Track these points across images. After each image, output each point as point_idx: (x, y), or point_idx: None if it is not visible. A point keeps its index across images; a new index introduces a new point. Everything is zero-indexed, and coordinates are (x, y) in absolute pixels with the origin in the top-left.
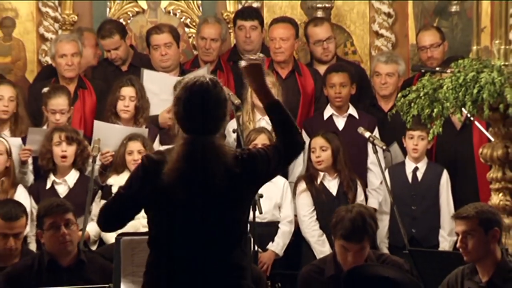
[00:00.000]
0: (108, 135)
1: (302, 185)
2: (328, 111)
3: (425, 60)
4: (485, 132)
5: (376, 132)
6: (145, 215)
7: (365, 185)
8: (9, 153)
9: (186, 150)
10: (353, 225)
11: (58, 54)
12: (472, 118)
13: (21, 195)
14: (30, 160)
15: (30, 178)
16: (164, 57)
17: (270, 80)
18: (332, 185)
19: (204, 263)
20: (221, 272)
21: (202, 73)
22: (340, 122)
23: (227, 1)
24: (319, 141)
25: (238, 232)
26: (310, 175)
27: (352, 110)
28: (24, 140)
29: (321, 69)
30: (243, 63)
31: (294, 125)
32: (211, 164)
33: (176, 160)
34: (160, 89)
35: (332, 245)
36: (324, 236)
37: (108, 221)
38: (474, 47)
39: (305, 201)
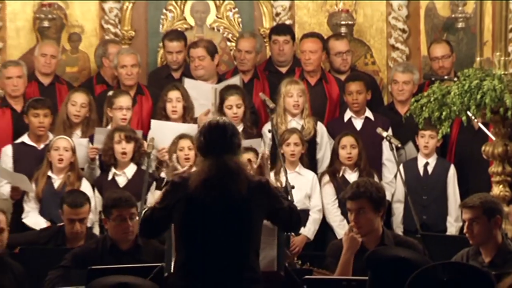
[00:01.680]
0: (163, 133)
1: (326, 178)
2: (348, 114)
3: (437, 69)
4: (487, 132)
5: (390, 132)
6: None
7: (380, 179)
8: (73, 150)
9: (210, 163)
10: (352, 186)
11: (119, 65)
12: (475, 120)
13: (86, 188)
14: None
15: (97, 172)
16: (198, 67)
17: (300, 88)
18: (352, 177)
19: (221, 262)
20: (236, 273)
21: (234, 81)
22: (358, 124)
23: (263, 19)
24: (350, 140)
25: (254, 236)
26: (333, 169)
27: (368, 113)
28: (91, 140)
29: (340, 78)
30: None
31: (297, 211)
32: (232, 173)
33: (201, 170)
34: (198, 95)
35: None
36: (345, 221)
37: (147, 231)
38: (478, 59)
39: (329, 191)
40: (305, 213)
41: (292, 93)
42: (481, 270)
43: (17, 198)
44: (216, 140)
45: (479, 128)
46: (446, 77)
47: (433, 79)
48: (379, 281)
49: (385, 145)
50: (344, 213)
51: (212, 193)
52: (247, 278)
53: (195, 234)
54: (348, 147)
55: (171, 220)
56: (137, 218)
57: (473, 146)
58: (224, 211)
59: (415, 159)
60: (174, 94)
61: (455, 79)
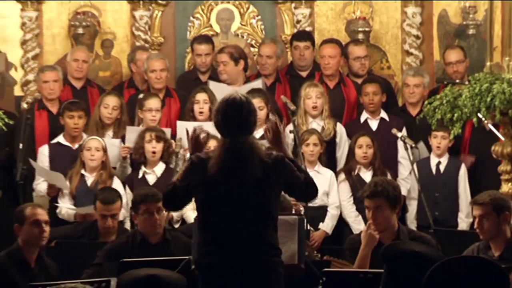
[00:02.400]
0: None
1: (342, 176)
2: (364, 116)
3: (451, 74)
4: (496, 133)
5: (404, 132)
6: None
7: (394, 176)
8: (105, 150)
9: (226, 146)
10: (370, 185)
11: (149, 69)
12: (486, 121)
13: (117, 185)
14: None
15: (129, 171)
16: (221, 72)
17: (319, 90)
18: (366, 176)
19: (242, 241)
20: (256, 248)
21: (257, 84)
22: (373, 124)
23: (285, 26)
24: (366, 140)
25: (271, 214)
26: (348, 168)
27: (383, 114)
28: (123, 140)
29: (358, 81)
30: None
31: (312, 182)
32: (247, 156)
33: (218, 155)
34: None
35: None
36: (360, 216)
37: (169, 205)
38: (488, 63)
39: (344, 188)
40: (323, 210)
41: (311, 95)
42: (497, 264)
43: (54, 195)
44: (231, 119)
45: (491, 129)
46: (457, 80)
47: (445, 82)
48: (394, 274)
49: (400, 144)
50: (359, 209)
51: (229, 177)
52: (267, 252)
53: (216, 215)
54: (364, 147)
55: (191, 197)
56: (163, 212)
57: (485, 146)
58: (241, 193)
59: (428, 158)
60: (201, 96)
61: (466, 82)
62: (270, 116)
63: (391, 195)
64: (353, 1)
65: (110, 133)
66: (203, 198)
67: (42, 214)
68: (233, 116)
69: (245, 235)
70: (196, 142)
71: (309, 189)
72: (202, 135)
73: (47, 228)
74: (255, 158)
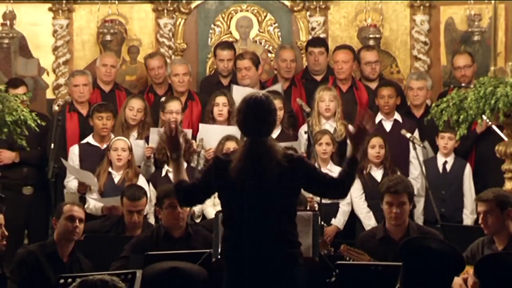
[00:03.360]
0: (209, 135)
1: None
2: (378, 117)
3: (459, 78)
4: (500, 133)
5: (416, 133)
6: None
7: (404, 175)
8: (130, 150)
9: (246, 150)
10: (394, 181)
11: (172, 74)
12: (490, 122)
13: (142, 183)
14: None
15: (152, 169)
16: (244, 77)
17: (332, 93)
18: (377, 174)
19: (263, 236)
20: (277, 242)
21: (277, 88)
22: (387, 125)
23: (300, 33)
24: (379, 140)
25: (289, 211)
26: (360, 167)
27: (397, 116)
28: (147, 141)
29: (369, 85)
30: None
31: (352, 183)
32: (265, 160)
33: (239, 158)
34: None
35: (377, 220)
36: (371, 212)
37: (184, 200)
38: (492, 68)
39: (356, 186)
40: (335, 206)
41: (325, 98)
42: None
43: (83, 192)
44: (251, 118)
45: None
46: (463, 84)
47: (451, 86)
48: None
49: (411, 144)
50: (369, 206)
51: (249, 179)
52: (287, 245)
53: (239, 213)
54: (377, 147)
55: (209, 196)
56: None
57: (490, 146)
58: (260, 193)
59: (435, 158)
60: (221, 100)
61: (471, 86)
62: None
63: (411, 192)
64: (364, 9)
65: (134, 134)
66: (227, 197)
67: (78, 211)
68: (253, 115)
69: (266, 233)
70: (172, 140)
71: (338, 188)
72: (181, 134)
73: (80, 225)
74: (273, 161)
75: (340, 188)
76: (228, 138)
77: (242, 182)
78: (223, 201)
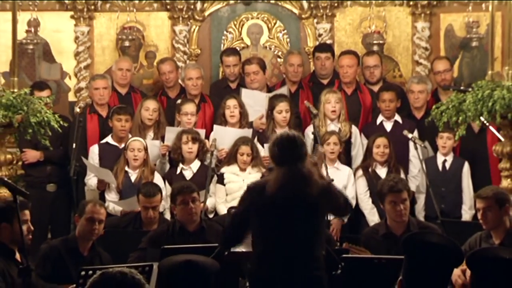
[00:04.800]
0: (222, 136)
1: (360, 172)
2: (380, 118)
3: (439, 81)
4: (497, 134)
5: (415, 133)
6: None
7: (406, 173)
8: (146, 149)
9: (284, 172)
10: (394, 180)
11: (186, 78)
12: (487, 124)
13: (158, 180)
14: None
15: (167, 167)
16: (253, 81)
17: (337, 96)
18: (381, 172)
19: (292, 256)
20: (304, 263)
21: (283, 91)
22: (388, 126)
23: (308, 39)
24: (384, 141)
25: (319, 233)
26: (366, 165)
27: (397, 117)
28: (162, 140)
29: (372, 88)
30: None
31: (350, 203)
32: (304, 181)
33: (276, 179)
34: (254, 102)
35: (381, 216)
36: (375, 209)
37: (228, 239)
38: (489, 72)
39: (362, 183)
40: None
41: (330, 101)
42: None
43: (103, 189)
44: (288, 151)
45: (479, 131)
46: (462, 88)
47: (451, 89)
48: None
49: (411, 144)
50: (374, 202)
51: (288, 196)
52: (313, 267)
53: (271, 231)
54: (382, 147)
55: (248, 225)
56: (199, 202)
57: (474, 146)
58: (297, 211)
59: (435, 157)
60: (232, 102)
61: (470, 89)
62: (305, 102)
63: (409, 189)
64: (369, 17)
65: (151, 134)
66: (260, 215)
67: (99, 213)
68: (289, 149)
69: (295, 251)
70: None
71: (347, 209)
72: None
73: (100, 226)
74: (312, 180)
75: (348, 210)
76: (244, 141)
77: (279, 200)
78: (256, 220)
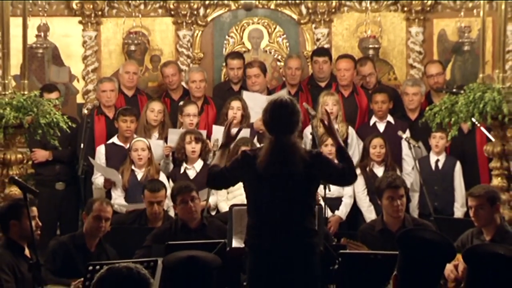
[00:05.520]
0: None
1: (357, 171)
2: (373, 119)
3: (432, 84)
4: (488, 135)
5: (408, 133)
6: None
7: (401, 171)
8: (149, 149)
9: (272, 145)
10: (392, 177)
11: (190, 80)
12: (478, 124)
13: (163, 179)
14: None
15: (171, 167)
16: (254, 83)
17: (335, 98)
18: (379, 171)
19: (285, 225)
20: (297, 232)
21: (283, 93)
22: (381, 127)
23: (306, 43)
24: (380, 141)
25: (309, 203)
26: (364, 164)
27: (389, 118)
28: (166, 140)
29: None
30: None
31: (352, 167)
32: (289, 155)
33: (265, 153)
34: (254, 104)
35: (377, 213)
36: (372, 206)
37: (211, 182)
38: (481, 75)
39: (360, 182)
40: (339, 200)
41: (328, 103)
42: None
43: (109, 187)
44: (278, 119)
45: (469, 132)
46: (454, 90)
47: (443, 92)
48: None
49: (404, 143)
50: (371, 200)
51: (275, 172)
52: (305, 235)
53: (263, 202)
54: (378, 147)
55: (232, 184)
56: (198, 200)
57: (464, 146)
58: (284, 186)
59: (428, 156)
60: (235, 104)
61: (462, 91)
62: (304, 104)
63: (406, 186)
64: (365, 22)
65: (156, 134)
66: (252, 188)
67: (106, 212)
68: (279, 115)
69: (287, 222)
70: (228, 135)
71: (346, 176)
72: (234, 129)
73: (106, 224)
74: (297, 155)
75: (347, 175)
76: (244, 142)
77: (268, 174)
78: (248, 192)
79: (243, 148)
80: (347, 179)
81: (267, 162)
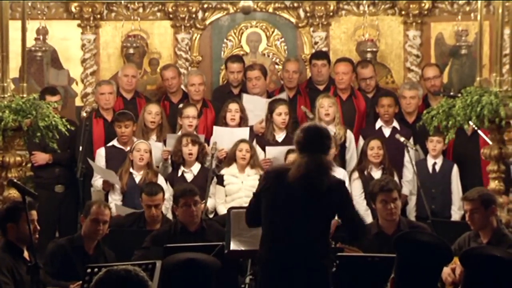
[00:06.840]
0: (222, 136)
1: (355, 174)
2: (379, 123)
3: (429, 87)
4: (485, 138)
5: (411, 140)
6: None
7: (399, 176)
8: (150, 152)
9: (306, 159)
10: (385, 180)
11: (189, 83)
12: (476, 128)
13: (161, 182)
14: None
15: (170, 170)
16: (254, 86)
17: (331, 100)
18: (376, 174)
19: (298, 244)
20: (309, 253)
21: (282, 96)
22: (386, 131)
23: (304, 46)
24: (377, 143)
25: (325, 225)
26: (361, 167)
27: (395, 124)
28: (164, 143)
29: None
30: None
31: (364, 231)
32: (322, 169)
33: (298, 165)
34: (254, 107)
35: (374, 217)
36: (369, 210)
37: (249, 219)
38: (478, 78)
39: (357, 185)
40: None
41: (324, 105)
42: None
43: (108, 190)
44: (313, 139)
45: (472, 134)
46: (452, 93)
47: (441, 95)
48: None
49: (405, 148)
50: (368, 204)
51: (307, 185)
52: (318, 256)
53: (281, 215)
54: (376, 149)
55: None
56: (200, 204)
57: (467, 148)
58: (308, 200)
59: (425, 159)
60: (234, 106)
61: (459, 94)
62: (302, 107)
63: (400, 189)
64: (362, 25)
65: (154, 137)
66: (272, 199)
67: (103, 215)
68: (314, 138)
69: (301, 240)
70: None
71: (356, 228)
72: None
73: (104, 227)
74: (328, 173)
75: (360, 227)
76: (243, 140)
77: (298, 187)
78: (266, 203)
79: (242, 144)
80: (355, 232)
81: (300, 173)
